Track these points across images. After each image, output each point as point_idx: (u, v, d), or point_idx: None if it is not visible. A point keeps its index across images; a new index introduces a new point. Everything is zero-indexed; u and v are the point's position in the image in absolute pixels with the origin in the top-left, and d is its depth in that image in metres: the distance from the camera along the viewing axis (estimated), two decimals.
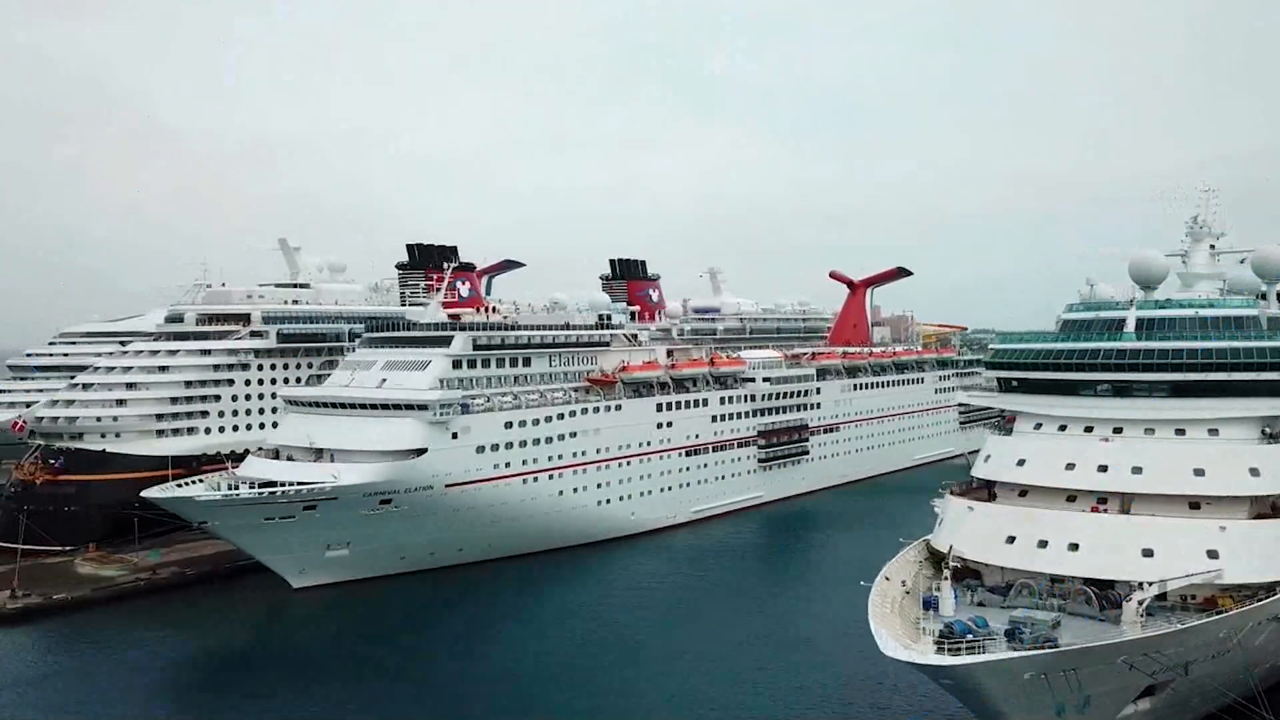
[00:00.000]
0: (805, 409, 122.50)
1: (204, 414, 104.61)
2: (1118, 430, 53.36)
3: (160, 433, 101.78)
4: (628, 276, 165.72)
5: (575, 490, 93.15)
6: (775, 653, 63.32)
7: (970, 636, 39.86)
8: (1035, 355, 57.81)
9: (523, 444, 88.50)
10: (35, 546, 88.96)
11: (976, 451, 61.42)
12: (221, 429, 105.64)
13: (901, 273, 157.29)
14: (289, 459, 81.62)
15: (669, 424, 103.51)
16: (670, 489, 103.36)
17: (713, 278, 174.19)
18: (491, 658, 65.29)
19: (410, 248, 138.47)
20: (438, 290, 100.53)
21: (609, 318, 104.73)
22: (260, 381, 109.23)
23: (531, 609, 77.88)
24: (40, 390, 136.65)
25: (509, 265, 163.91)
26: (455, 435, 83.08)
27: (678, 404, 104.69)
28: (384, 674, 61.95)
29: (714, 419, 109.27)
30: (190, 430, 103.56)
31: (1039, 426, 56.55)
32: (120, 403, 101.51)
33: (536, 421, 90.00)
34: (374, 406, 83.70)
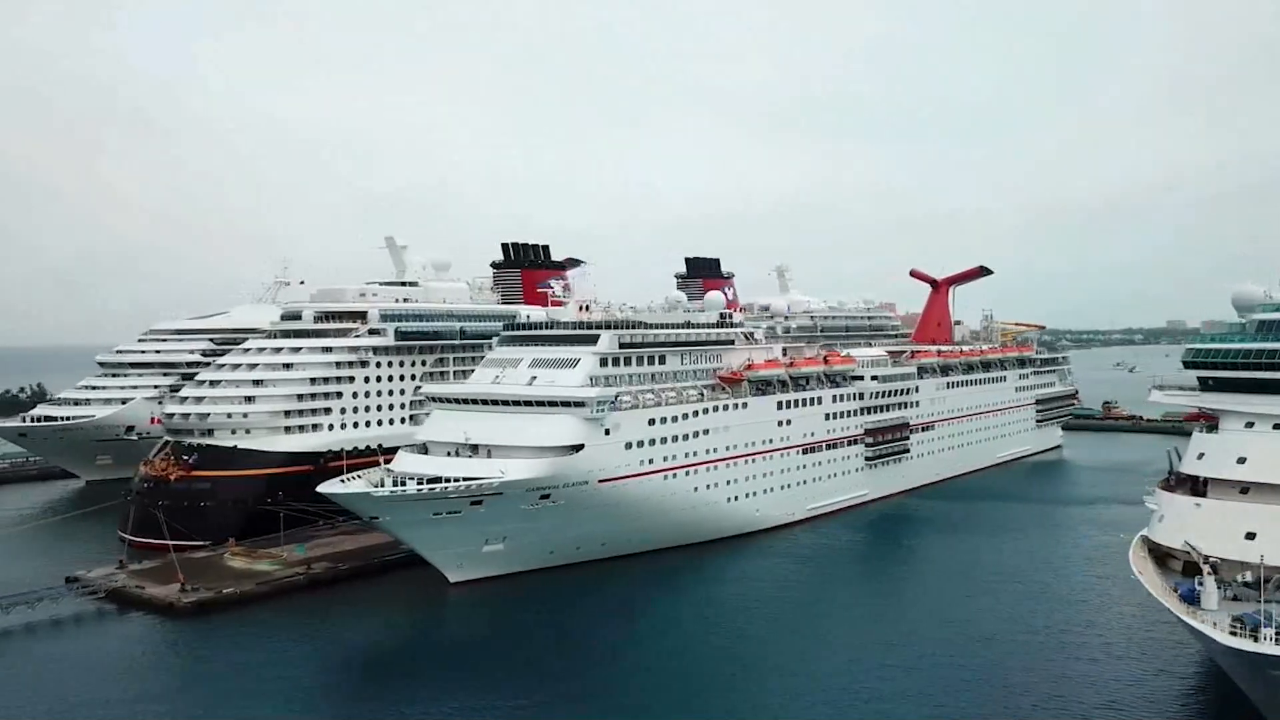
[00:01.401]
0: (906, 407, 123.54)
1: (327, 411, 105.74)
2: None
3: (288, 429, 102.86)
4: (702, 275, 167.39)
5: (708, 486, 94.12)
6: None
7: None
8: (1242, 355, 58.64)
9: (663, 440, 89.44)
10: (175, 542, 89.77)
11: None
12: (343, 425, 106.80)
13: (983, 271, 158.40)
14: (452, 454, 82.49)
15: (788, 421, 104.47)
16: (789, 486, 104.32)
17: (780, 276, 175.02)
18: (653, 654, 65.92)
19: (505, 246, 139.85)
20: (563, 288, 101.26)
21: (730, 316, 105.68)
22: (379, 379, 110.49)
23: (690, 602, 79.30)
24: (135, 386, 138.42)
25: (572, 263, 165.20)
26: (608, 431, 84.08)
27: (796, 402, 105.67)
28: (556, 674, 62.06)
29: (827, 417, 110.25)
30: (315, 427, 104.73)
31: (1250, 425, 57.40)
32: (249, 399, 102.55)
33: (675, 419, 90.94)
34: (528, 403, 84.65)
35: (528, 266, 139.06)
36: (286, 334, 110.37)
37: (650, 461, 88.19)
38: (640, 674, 62.08)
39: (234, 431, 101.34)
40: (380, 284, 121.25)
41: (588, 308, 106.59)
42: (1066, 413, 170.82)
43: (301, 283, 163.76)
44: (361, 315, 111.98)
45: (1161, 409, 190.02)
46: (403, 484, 77.85)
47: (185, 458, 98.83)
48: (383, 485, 78.62)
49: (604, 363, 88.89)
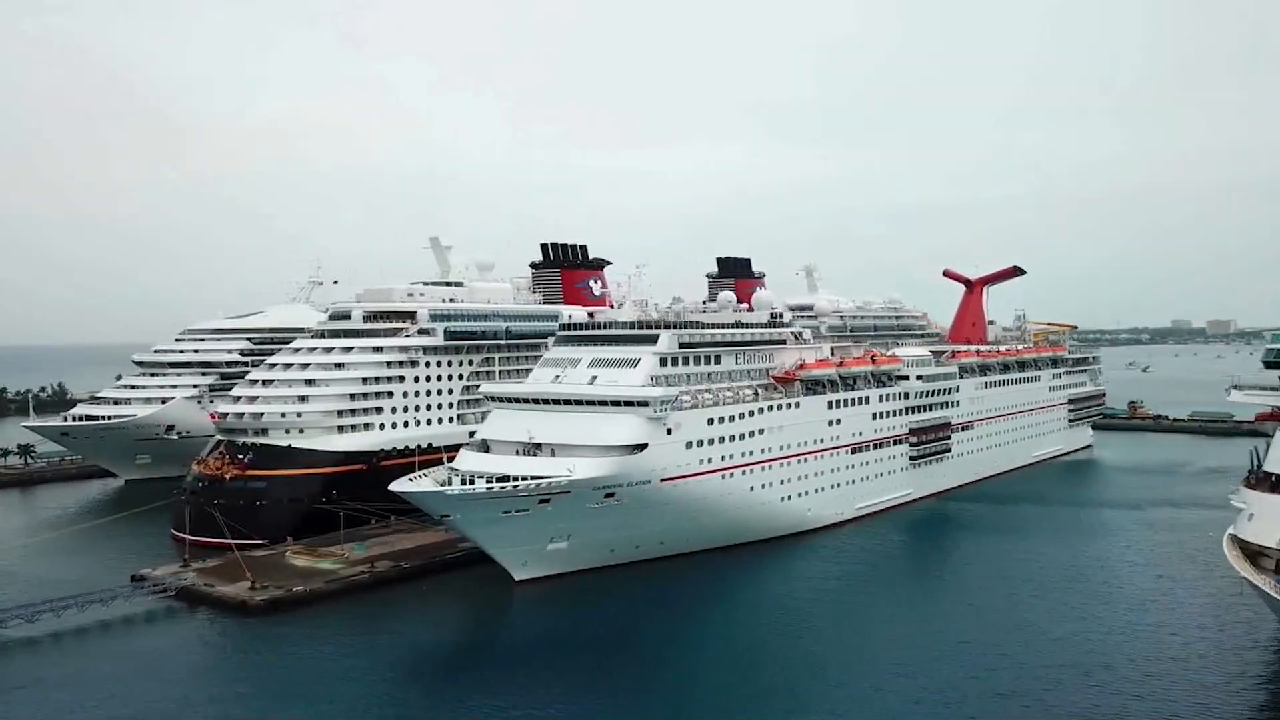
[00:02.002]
0: (947, 406, 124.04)
1: (379, 410, 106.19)
2: None
3: (340, 429, 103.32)
4: (734, 274, 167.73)
5: (763, 486, 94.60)
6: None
7: None
8: None
9: (722, 440, 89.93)
10: (234, 541, 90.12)
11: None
12: (394, 425, 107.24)
13: (1016, 271, 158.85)
14: (520, 453, 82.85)
15: (838, 421, 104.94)
16: (838, 486, 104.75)
17: (808, 275, 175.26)
18: (719, 657, 66.07)
19: (544, 247, 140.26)
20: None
21: (780, 315, 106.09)
22: (429, 379, 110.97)
23: (750, 602, 79.92)
24: (174, 386, 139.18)
25: (602, 263, 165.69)
26: (670, 431, 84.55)
27: (846, 401, 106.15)
28: (628, 675, 62.42)
29: (874, 416, 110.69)
30: (366, 426, 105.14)
31: None
32: (302, 399, 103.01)
33: (733, 418, 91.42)
34: (591, 403, 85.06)
35: (566, 266, 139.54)
36: (335, 334, 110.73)
37: (709, 461, 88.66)
38: (709, 675, 62.23)
39: (288, 431, 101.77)
40: (427, 284, 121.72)
41: (614, 306, 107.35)
42: (1096, 412, 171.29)
43: (335, 282, 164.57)
44: (410, 315, 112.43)
45: (1189, 408, 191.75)
46: (471, 482, 78.35)
47: (240, 456, 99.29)
48: (450, 484, 79.12)
49: (663, 362, 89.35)
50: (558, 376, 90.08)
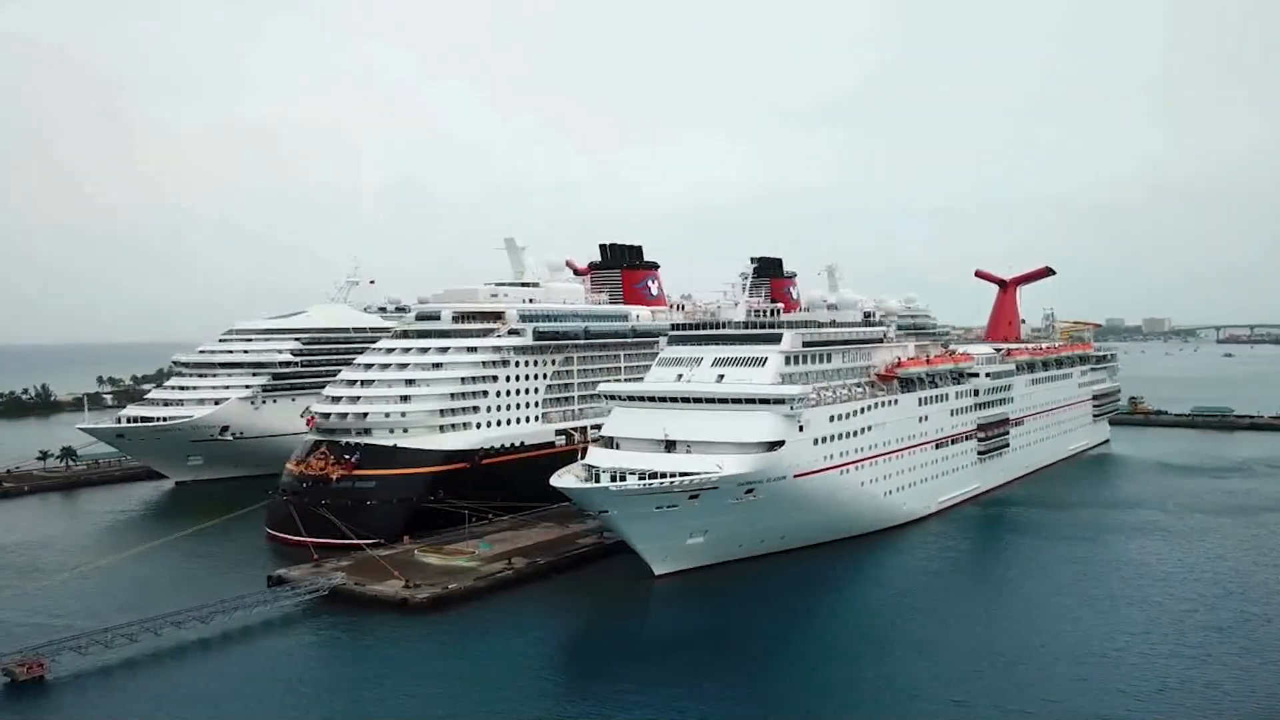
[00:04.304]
0: (1004, 403, 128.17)
1: (475, 409, 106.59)
2: None
3: (442, 428, 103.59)
4: (768, 274, 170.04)
5: (872, 481, 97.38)
6: None
7: None
8: None
9: (840, 436, 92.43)
10: (354, 541, 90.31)
11: None
12: (490, 424, 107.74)
13: (1048, 272, 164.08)
14: (665, 449, 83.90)
15: (926, 418, 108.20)
16: (925, 480, 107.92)
17: (830, 275, 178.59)
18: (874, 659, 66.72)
19: (603, 248, 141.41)
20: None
21: (873, 315, 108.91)
22: (518, 378, 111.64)
23: (879, 594, 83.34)
24: (227, 386, 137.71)
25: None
26: (801, 428, 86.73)
27: (933, 398, 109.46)
28: (779, 671, 63.86)
29: (952, 413, 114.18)
30: (465, 425, 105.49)
31: None
32: (404, 399, 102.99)
33: (848, 415, 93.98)
34: (723, 401, 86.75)
35: (626, 267, 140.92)
36: (424, 334, 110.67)
37: (830, 457, 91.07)
38: (847, 671, 63.51)
39: (391, 431, 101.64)
40: (502, 284, 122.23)
41: (682, 306, 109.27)
42: (1114, 408, 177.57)
43: (372, 282, 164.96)
44: (496, 316, 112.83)
45: (1187, 404, 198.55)
46: (621, 478, 79.53)
47: (347, 457, 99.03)
48: (596, 480, 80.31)
49: (788, 361, 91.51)
50: (681, 375, 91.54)
